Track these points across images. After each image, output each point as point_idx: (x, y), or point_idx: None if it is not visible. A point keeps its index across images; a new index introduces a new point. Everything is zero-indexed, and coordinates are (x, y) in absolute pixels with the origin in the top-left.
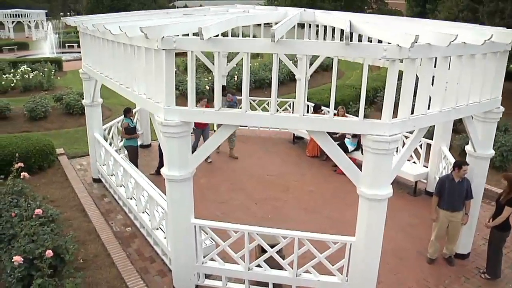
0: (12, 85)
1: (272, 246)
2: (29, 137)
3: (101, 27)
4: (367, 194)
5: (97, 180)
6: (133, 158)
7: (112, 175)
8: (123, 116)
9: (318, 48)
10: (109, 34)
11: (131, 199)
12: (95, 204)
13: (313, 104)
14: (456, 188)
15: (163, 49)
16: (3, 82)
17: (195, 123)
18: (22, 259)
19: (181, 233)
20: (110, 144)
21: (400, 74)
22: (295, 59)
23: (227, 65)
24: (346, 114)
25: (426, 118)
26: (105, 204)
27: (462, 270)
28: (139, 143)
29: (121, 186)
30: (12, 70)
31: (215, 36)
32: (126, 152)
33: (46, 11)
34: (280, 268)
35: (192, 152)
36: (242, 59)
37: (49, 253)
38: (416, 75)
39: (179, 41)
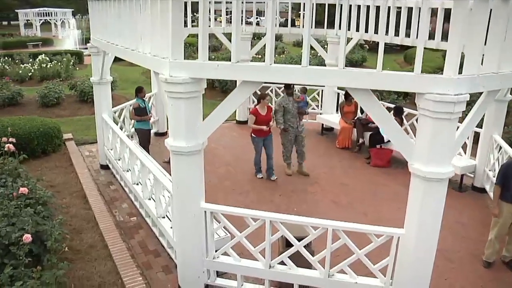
0: (30, 74)
1: (299, 240)
2: (33, 119)
3: None
4: (423, 172)
5: (105, 167)
6: (144, 142)
7: (119, 160)
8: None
9: None
10: None
11: (137, 184)
12: (99, 191)
13: (343, 92)
14: None
15: None
16: (20, 71)
17: (254, 130)
18: None
19: (189, 220)
20: (121, 129)
21: None
22: (325, 45)
23: (250, 49)
24: (382, 103)
25: (498, 78)
26: (111, 192)
27: None
28: (154, 130)
29: (127, 170)
30: (31, 60)
31: None
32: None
33: (73, 10)
34: (308, 266)
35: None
36: (265, 45)
37: (27, 237)
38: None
39: None
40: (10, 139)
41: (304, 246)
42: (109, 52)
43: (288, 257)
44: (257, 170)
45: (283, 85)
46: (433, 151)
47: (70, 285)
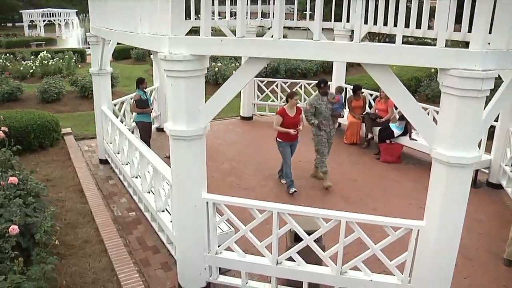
0: (31, 71)
1: (309, 233)
2: (31, 112)
3: None
4: (446, 156)
5: (104, 162)
6: (145, 136)
7: (118, 153)
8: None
9: None
10: None
11: (136, 177)
12: (97, 186)
13: (351, 86)
14: None
15: None
16: (21, 68)
17: (280, 134)
18: None
19: (189, 211)
20: (121, 122)
21: None
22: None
23: None
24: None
25: None
26: (109, 187)
27: None
28: (155, 125)
29: (126, 164)
30: (33, 57)
31: None
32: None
33: (77, 10)
34: (318, 263)
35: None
36: (272, 36)
37: (14, 229)
38: None
39: None
40: (3, 128)
41: (314, 241)
42: (108, 39)
43: (297, 252)
44: (289, 184)
45: (316, 83)
46: (458, 133)
47: (61, 281)
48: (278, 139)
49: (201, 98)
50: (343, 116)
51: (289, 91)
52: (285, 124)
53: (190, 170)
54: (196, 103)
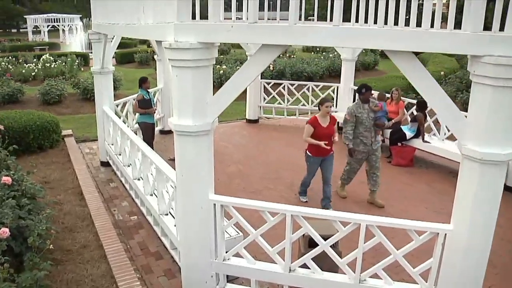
0: (33, 74)
1: (324, 239)
2: (30, 113)
3: None
4: (478, 153)
5: (106, 164)
6: (148, 137)
7: (119, 155)
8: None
9: None
10: None
11: (138, 180)
12: (98, 189)
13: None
14: None
15: None
16: (23, 71)
17: (310, 147)
18: None
19: (195, 214)
20: (124, 122)
21: None
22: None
23: None
24: (402, 99)
25: None
26: (110, 190)
27: None
28: (159, 127)
29: (128, 165)
30: (35, 60)
31: None
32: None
33: (80, 16)
34: (333, 270)
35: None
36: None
37: (4, 232)
38: None
39: None
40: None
41: (331, 246)
42: (111, 34)
43: (311, 259)
44: (301, 192)
45: (356, 88)
46: (492, 127)
47: None
48: (307, 151)
49: (209, 91)
50: (386, 126)
51: (296, 93)
52: (316, 135)
53: (196, 169)
54: (203, 96)
